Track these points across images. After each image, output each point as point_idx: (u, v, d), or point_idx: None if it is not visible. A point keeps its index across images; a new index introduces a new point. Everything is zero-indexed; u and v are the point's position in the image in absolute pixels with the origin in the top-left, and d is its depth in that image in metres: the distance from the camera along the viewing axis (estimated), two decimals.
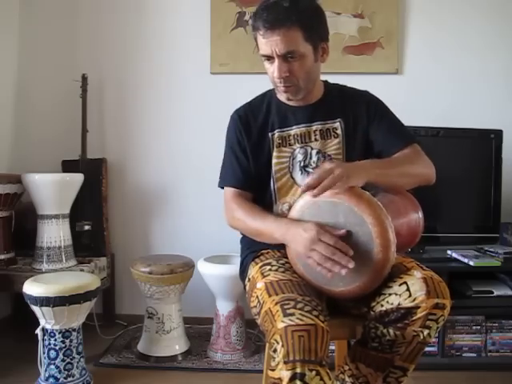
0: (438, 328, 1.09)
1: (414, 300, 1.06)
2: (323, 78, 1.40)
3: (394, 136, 1.33)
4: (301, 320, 0.96)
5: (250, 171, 1.35)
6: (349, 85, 1.44)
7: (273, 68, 1.25)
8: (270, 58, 1.24)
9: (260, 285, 1.16)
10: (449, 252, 2.18)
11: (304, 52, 1.22)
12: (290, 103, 1.35)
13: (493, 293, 2.03)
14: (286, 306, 1.01)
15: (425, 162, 1.30)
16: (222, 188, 1.39)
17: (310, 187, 1.08)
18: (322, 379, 0.94)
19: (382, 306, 1.12)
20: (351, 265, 1.03)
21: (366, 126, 1.35)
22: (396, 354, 1.12)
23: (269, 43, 1.21)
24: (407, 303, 1.07)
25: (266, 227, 1.23)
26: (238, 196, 1.33)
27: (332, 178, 1.07)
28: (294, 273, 1.18)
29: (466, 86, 2.47)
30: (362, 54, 2.47)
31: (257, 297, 1.15)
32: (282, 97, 1.35)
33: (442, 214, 2.19)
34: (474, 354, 2.06)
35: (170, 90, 2.56)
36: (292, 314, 0.98)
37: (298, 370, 0.93)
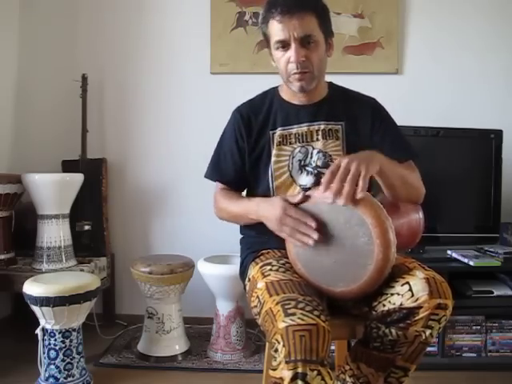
0: (440, 328, 1.09)
1: (417, 300, 1.06)
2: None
3: (396, 150, 1.32)
4: (302, 320, 0.96)
5: (236, 170, 1.38)
6: (349, 85, 1.44)
7: (288, 54, 1.25)
8: (285, 45, 1.25)
9: (260, 285, 1.15)
10: (449, 252, 2.18)
11: (319, 39, 1.26)
12: (295, 102, 1.35)
13: (493, 293, 2.03)
14: (286, 306, 1.01)
15: (419, 179, 1.32)
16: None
17: (337, 194, 1.06)
18: (323, 379, 0.94)
19: (384, 305, 1.12)
20: (315, 236, 1.09)
21: (368, 132, 1.35)
22: (398, 354, 1.12)
23: (286, 27, 1.22)
24: (409, 303, 1.07)
25: (241, 209, 1.32)
26: (222, 188, 1.41)
27: (352, 176, 1.05)
28: (295, 273, 1.18)
29: (466, 86, 2.47)
30: (361, 54, 2.47)
31: (257, 297, 1.15)
32: (295, 87, 1.30)
33: (442, 214, 2.19)
34: (474, 354, 2.06)
35: (169, 89, 2.56)
36: (293, 314, 0.98)
37: (300, 370, 0.93)
